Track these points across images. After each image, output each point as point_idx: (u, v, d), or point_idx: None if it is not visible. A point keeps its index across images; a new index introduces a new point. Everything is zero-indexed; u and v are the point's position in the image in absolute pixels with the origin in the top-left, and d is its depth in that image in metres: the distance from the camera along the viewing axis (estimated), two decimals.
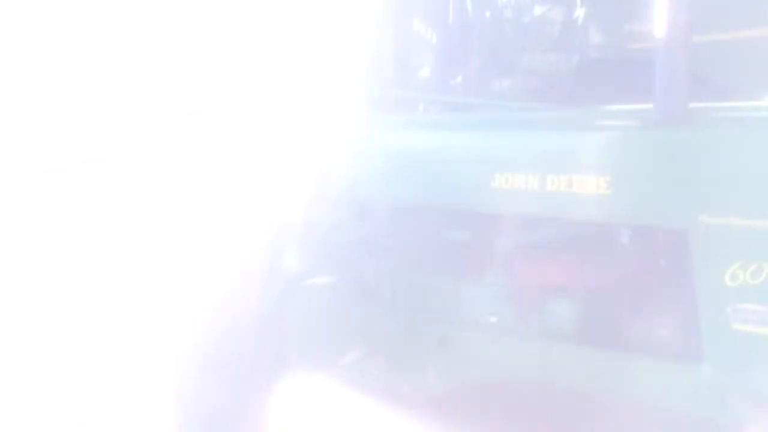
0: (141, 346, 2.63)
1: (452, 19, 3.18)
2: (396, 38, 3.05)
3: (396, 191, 2.59)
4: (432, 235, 2.55)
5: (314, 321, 2.57)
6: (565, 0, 2.90)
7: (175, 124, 3.37)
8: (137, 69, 3.46)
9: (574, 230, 2.24)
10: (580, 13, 2.83)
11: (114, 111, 3.43)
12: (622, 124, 2.09)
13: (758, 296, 1.82)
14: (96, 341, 2.80)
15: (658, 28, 1.94)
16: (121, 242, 2.80)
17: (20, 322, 3.14)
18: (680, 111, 1.93)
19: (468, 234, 2.48)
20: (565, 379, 2.26)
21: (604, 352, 2.15)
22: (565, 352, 2.23)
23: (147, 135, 3.40)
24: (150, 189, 2.85)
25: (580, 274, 2.20)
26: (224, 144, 3.14)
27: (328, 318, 2.55)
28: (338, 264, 2.70)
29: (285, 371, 2.62)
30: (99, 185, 3.06)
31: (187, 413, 2.56)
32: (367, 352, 2.60)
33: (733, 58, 2.46)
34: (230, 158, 3.05)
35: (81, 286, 2.88)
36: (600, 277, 2.18)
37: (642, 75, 2.15)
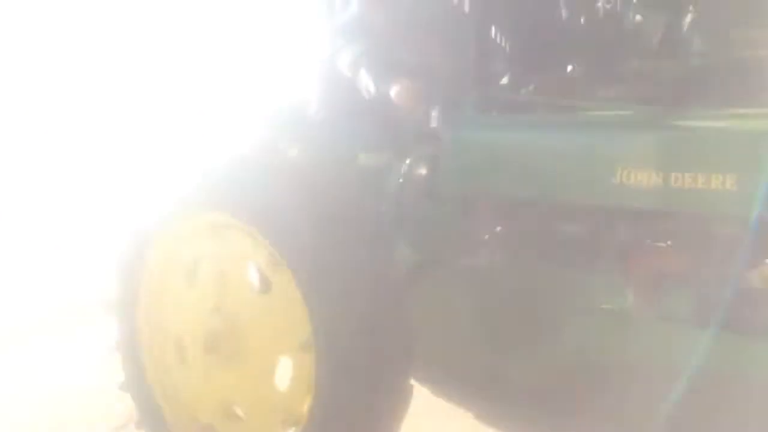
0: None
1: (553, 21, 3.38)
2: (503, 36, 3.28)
3: (512, 188, 2.82)
4: (550, 229, 2.78)
5: (437, 310, 2.80)
6: (670, 3, 3.08)
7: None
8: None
9: (698, 224, 2.46)
10: (685, 16, 3.02)
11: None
12: (749, 125, 2.30)
13: None
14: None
15: None
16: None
17: None
18: None
19: (588, 227, 2.69)
20: (688, 360, 2.48)
21: (730, 336, 2.36)
22: (689, 336, 2.45)
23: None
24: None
25: (706, 263, 2.41)
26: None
27: (451, 306, 2.78)
28: (455, 255, 2.94)
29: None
30: None
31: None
32: (482, 338, 2.83)
33: None
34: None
35: None
36: (727, 262, 2.39)
37: (753, 83, 2.36)
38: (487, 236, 3.04)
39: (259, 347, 2.64)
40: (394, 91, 3.03)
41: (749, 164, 2.22)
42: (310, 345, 2.41)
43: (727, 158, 2.26)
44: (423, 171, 3.10)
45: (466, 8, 3.34)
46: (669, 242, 2.50)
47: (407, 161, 3.21)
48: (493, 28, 3.40)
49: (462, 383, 2.99)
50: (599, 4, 4.30)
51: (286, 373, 2.61)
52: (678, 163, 2.34)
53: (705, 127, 2.41)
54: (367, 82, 3.25)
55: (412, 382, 2.66)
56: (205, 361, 2.77)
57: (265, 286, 2.68)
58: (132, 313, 2.96)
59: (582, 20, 3.43)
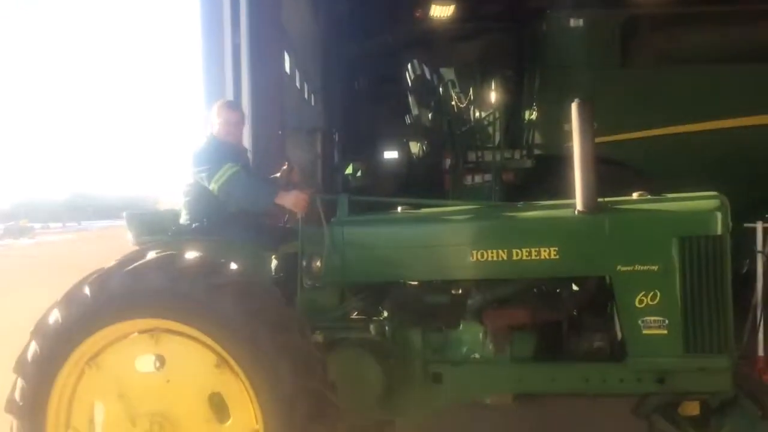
0: None
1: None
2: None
3: (386, 273, 3.82)
4: (421, 301, 3.81)
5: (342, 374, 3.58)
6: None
7: None
8: None
9: (533, 285, 3.63)
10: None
11: None
12: (562, 212, 3.57)
13: (656, 311, 3.31)
14: None
15: (573, 154, 3.38)
16: None
17: None
18: (594, 203, 3.40)
19: (452, 296, 3.76)
20: (535, 388, 3.57)
21: (562, 364, 3.54)
22: (534, 369, 3.56)
23: None
24: None
25: (542, 313, 3.56)
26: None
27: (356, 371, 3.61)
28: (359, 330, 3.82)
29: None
30: None
31: None
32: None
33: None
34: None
35: None
36: (555, 314, 3.57)
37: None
38: (368, 313, 3.97)
39: (190, 410, 3.19)
40: (287, 200, 3.90)
41: (566, 239, 3.47)
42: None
43: (550, 235, 3.50)
44: (306, 264, 3.94)
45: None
46: (514, 299, 3.65)
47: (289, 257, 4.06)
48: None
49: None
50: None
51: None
52: (517, 242, 3.51)
53: (534, 214, 3.68)
54: (241, 195, 4.07)
55: None
56: None
57: (159, 363, 3.27)
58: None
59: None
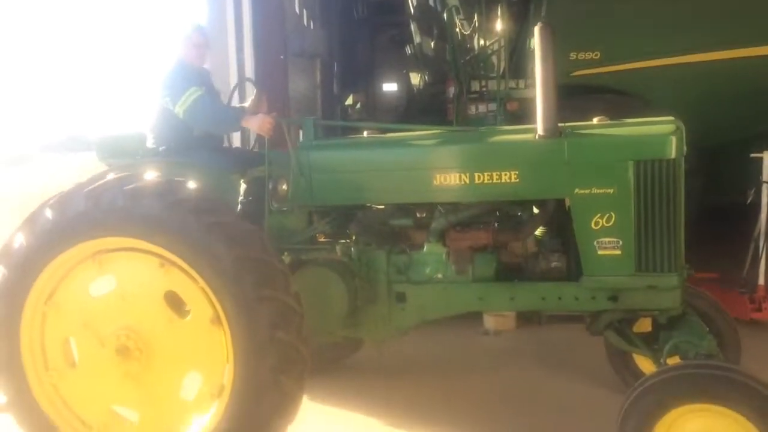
0: None
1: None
2: None
3: (352, 197, 4.08)
4: (386, 223, 4.08)
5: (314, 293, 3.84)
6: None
7: None
8: None
9: (495, 208, 3.88)
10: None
11: None
12: (523, 137, 3.78)
13: (610, 233, 3.55)
14: None
15: (537, 85, 3.56)
16: None
17: None
18: (554, 128, 3.60)
19: (416, 219, 4.03)
20: (494, 307, 3.86)
21: (521, 284, 3.81)
22: (494, 289, 3.83)
23: None
24: None
25: (503, 235, 3.82)
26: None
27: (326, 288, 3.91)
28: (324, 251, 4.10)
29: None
30: None
31: None
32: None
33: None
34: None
35: None
36: (515, 235, 3.82)
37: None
38: (335, 235, 4.25)
39: (151, 315, 3.50)
40: (253, 123, 4.12)
41: (527, 162, 3.69)
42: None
43: (511, 159, 3.72)
44: (273, 187, 4.19)
45: None
46: (477, 224, 3.90)
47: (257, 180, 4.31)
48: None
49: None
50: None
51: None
52: (479, 166, 3.75)
53: (495, 139, 3.88)
54: (206, 119, 4.29)
55: None
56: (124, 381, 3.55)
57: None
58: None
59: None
